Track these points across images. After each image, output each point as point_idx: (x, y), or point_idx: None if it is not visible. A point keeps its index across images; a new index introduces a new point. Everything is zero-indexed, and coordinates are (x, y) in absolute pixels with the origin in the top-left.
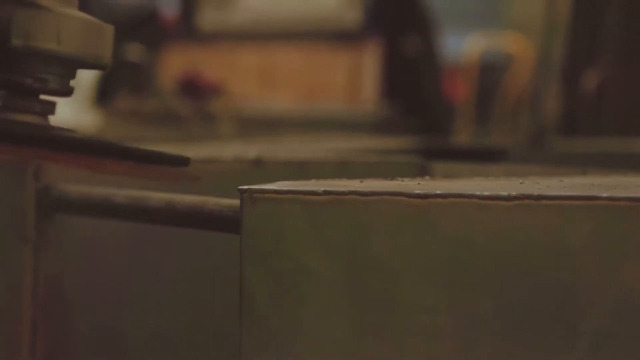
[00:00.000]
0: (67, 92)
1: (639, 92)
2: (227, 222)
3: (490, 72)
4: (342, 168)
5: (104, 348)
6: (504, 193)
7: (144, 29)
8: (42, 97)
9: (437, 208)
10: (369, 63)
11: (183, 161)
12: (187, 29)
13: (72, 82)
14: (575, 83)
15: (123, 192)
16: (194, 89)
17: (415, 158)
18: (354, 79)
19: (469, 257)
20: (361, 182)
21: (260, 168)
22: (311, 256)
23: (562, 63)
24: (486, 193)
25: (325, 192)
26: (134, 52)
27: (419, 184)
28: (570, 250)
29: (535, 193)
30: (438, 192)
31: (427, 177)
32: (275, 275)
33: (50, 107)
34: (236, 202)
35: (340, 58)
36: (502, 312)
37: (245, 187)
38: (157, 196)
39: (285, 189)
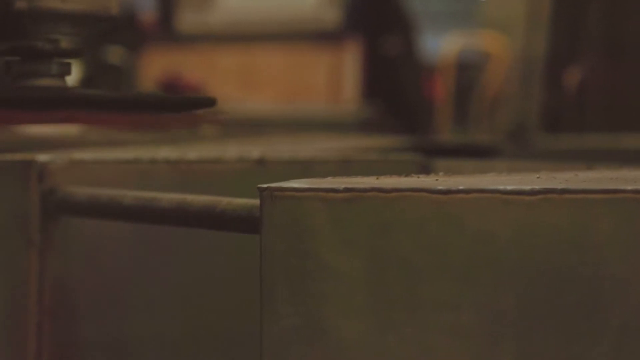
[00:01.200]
0: (80, 50)
1: (620, 88)
2: (240, 222)
3: (467, 70)
4: (345, 166)
5: (110, 351)
6: (528, 187)
7: (124, 31)
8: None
9: (460, 204)
10: (349, 63)
11: (211, 102)
12: (166, 31)
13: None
14: (558, 80)
15: (132, 193)
16: (174, 91)
17: (416, 156)
18: (335, 79)
19: (493, 253)
20: (377, 179)
21: (264, 167)
22: (333, 254)
23: (544, 60)
24: (509, 188)
25: (346, 189)
26: (115, 55)
27: (436, 180)
28: (594, 244)
29: (559, 187)
30: (461, 187)
31: (441, 174)
32: (297, 274)
33: (66, 68)
34: (249, 201)
35: (320, 58)
36: (526, 309)
37: (265, 185)
38: (168, 197)
39: (306, 186)
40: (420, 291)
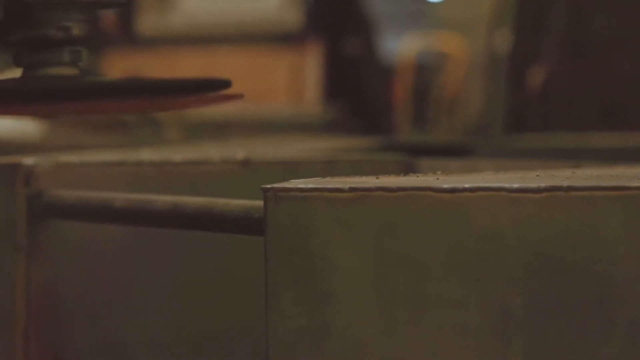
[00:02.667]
0: (92, 36)
1: (584, 87)
2: (238, 223)
3: (425, 71)
4: (330, 167)
5: (98, 355)
6: (534, 185)
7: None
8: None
9: (466, 202)
10: (310, 64)
11: (226, 83)
12: (127, 34)
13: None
14: (522, 79)
15: (123, 195)
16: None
17: (400, 156)
18: (297, 80)
19: (500, 251)
20: (377, 178)
21: (249, 169)
22: (338, 253)
23: (508, 59)
24: (515, 186)
25: (352, 189)
26: None
27: (437, 179)
28: (602, 241)
29: (565, 185)
30: (466, 186)
31: (439, 172)
32: (302, 274)
33: (78, 55)
34: (247, 202)
35: (282, 60)
36: (534, 306)
37: (269, 185)
38: (162, 199)
39: (310, 186)
40: (427, 290)
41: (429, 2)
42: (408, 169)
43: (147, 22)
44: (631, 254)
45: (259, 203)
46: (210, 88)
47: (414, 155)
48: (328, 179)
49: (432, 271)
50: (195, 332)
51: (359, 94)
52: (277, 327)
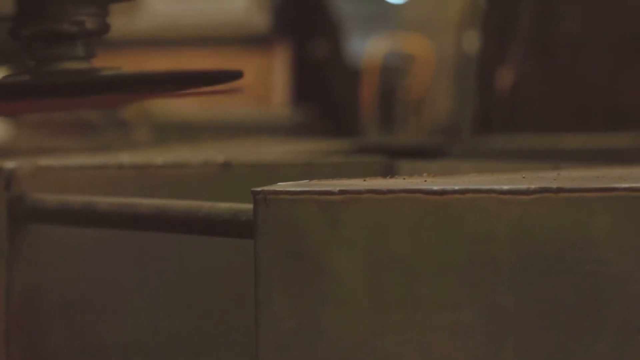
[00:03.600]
0: (105, 30)
1: (553, 89)
2: (225, 226)
3: (392, 73)
4: (310, 169)
5: (81, 359)
6: (524, 187)
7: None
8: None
9: (456, 204)
10: (278, 67)
11: (238, 74)
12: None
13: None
14: (491, 81)
15: (106, 199)
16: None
17: (380, 157)
18: (264, 82)
19: (490, 253)
20: (364, 180)
21: (230, 171)
22: (329, 256)
23: (477, 61)
24: (505, 187)
25: (341, 192)
26: None
27: (425, 181)
28: (592, 242)
29: (555, 186)
30: (456, 187)
31: (424, 174)
32: (293, 277)
33: (92, 50)
34: (234, 205)
35: (249, 62)
36: (526, 307)
37: (259, 188)
38: (147, 202)
39: (300, 189)
40: (419, 292)
41: (395, 4)
42: (388, 171)
43: (114, 24)
44: (621, 254)
45: (246, 206)
46: (224, 79)
47: (386, 156)
48: (315, 181)
49: (423, 272)
50: (180, 336)
51: (327, 96)
52: (268, 329)
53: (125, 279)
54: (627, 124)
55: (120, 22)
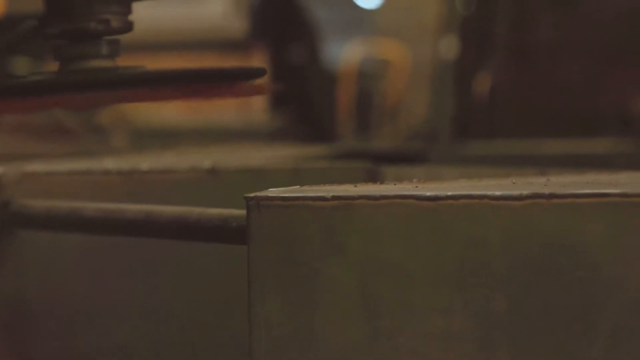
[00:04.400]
0: (129, 28)
1: (530, 95)
2: (215, 232)
3: (368, 78)
4: (297, 175)
5: None
6: (516, 193)
7: (29, 41)
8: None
9: (448, 210)
10: None
11: (262, 71)
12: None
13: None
14: (468, 87)
15: (93, 205)
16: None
17: (364, 163)
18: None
19: (483, 258)
20: (355, 186)
21: (216, 177)
22: (323, 262)
23: (454, 66)
24: (498, 193)
25: (334, 197)
26: (20, 65)
27: (416, 187)
28: (584, 247)
29: (547, 192)
30: (449, 193)
31: (414, 180)
32: (286, 283)
33: (117, 48)
34: (224, 211)
35: None
36: (518, 312)
37: (252, 194)
38: (135, 208)
39: (293, 195)
40: (412, 297)
41: (371, 10)
42: (372, 177)
43: None
44: (613, 260)
45: (236, 211)
46: (247, 76)
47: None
48: (307, 187)
49: (416, 278)
50: (168, 342)
51: (304, 101)
52: (261, 335)
53: (112, 284)
54: (603, 129)
55: None
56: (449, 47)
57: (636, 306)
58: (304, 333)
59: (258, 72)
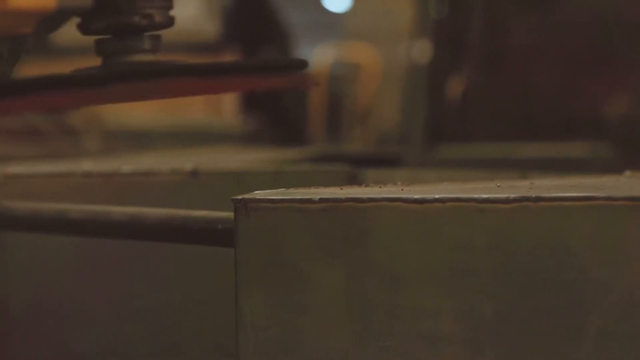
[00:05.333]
0: (170, 23)
1: (503, 98)
2: (201, 235)
3: (338, 82)
4: (278, 178)
5: None
6: (503, 196)
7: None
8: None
9: (436, 213)
10: None
11: (304, 64)
12: (44, 42)
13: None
14: (441, 90)
15: (77, 206)
16: None
17: (344, 166)
18: None
19: (470, 261)
20: (341, 189)
21: (197, 179)
22: (310, 264)
23: (427, 70)
24: (484, 196)
25: (322, 200)
26: None
27: (402, 189)
28: (571, 250)
29: (533, 195)
30: (437, 196)
31: (398, 183)
32: (274, 285)
33: (158, 43)
34: (209, 213)
35: None
36: (506, 315)
37: (239, 197)
38: (120, 210)
39: (280, 197)
40: (399, 300)
41: (341, 13)
42: (352, 179)
43: (63, 30)
44: (600, 263)
45: (222, 214)
46: (290, 67)
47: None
48: (293, 189)
49: (403, 281)
50: (152, 344)
51: (276, 104)
52: (248, 337)
53: (95, 286)
54: (576, 133)
55: (70, 29)
56: (422, 50)
57: (623, 309)
58: (291, 335)
59: (302, 64)
